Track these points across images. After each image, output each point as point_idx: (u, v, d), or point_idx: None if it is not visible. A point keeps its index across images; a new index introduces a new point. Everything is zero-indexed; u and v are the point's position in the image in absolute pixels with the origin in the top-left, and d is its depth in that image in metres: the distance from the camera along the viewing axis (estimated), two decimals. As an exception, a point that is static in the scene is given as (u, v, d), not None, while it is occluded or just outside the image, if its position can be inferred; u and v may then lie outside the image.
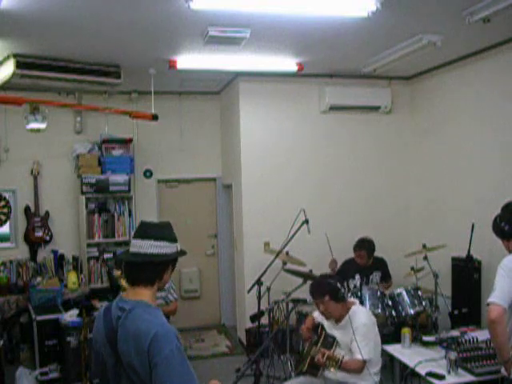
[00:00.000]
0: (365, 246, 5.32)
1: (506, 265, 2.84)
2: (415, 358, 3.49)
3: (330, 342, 3.52)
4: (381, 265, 5.45)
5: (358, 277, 5.17)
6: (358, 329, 3.38)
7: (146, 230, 2.05)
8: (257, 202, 5.88)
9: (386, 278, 5.43)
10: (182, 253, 2.12)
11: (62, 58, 4.84)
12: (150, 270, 2.01)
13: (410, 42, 4.57)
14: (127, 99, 6.35)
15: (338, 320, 3.58)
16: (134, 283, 2.01)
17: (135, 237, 2.06)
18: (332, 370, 3.26)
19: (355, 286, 4.81)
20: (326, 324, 3.70)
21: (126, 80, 5.33)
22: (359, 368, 3.36)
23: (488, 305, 2.78)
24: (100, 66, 5.06)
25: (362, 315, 3.50)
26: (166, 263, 2.05)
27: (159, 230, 2.07)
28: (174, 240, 2.08)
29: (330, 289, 3.52)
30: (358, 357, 3.34)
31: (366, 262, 5.32)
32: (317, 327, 3.80)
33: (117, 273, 3.27)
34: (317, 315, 3.92)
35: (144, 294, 2.00)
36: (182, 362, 1.86)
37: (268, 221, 5.83)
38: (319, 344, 3.53)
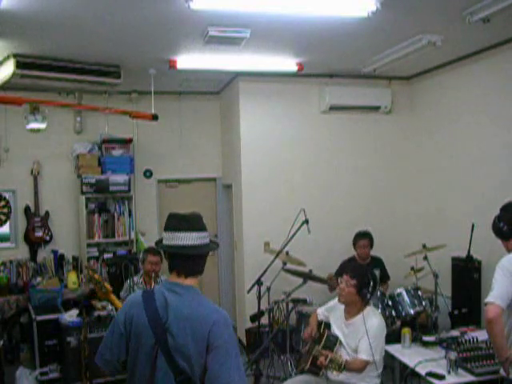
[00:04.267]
0: (367, 234, 5.42)
1: (504, 265, 2.85)
2: (415, 358, 3.50)
3: (333, 341, 3.51)
4: (379, 263, 5.51)
5: None
6: (371, 329, 3.37)
7: (195, 222, 2.09)
8: (257, 201, 5.88)
9: (384, 276, 5.46)
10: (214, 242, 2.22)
11: (61, 57, 4.84)
12: (202, 262, 2.11)
13: (409, 41, 4.57)
14: (127, 99, 6.35)
15: (349, 316, 3.56)
16: (188, 275, 2.07)
17: (182, 229, 2.04)
18: (335, 373, 3.25)
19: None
20: (333, 320, 3.70)
21: (126, 80, 5.33)
22: (361, 368, 3.37)
23: (486, 305, 2.79)
24: (100, 66, 5.06)
25: (376, 317, 3.51)
26: (208, 252, 2.14)
27: (200, 221, 2.12)
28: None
29: (362, 277, 3.51)
30: (362, 356, 3.35)
31: (367, 253, 5.38)
32: (320, 324, 3.81)
33: (96, 275, 3.22)
34: (320, 312, 3.93)
35: (193, 282, 2.08)
36: (236, 346, 2.00)
37: (268, 221, 5.82)
38: (321, 344, 3.53)
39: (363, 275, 3.55)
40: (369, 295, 3.51)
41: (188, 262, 2.06)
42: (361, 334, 3.39)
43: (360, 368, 3.37)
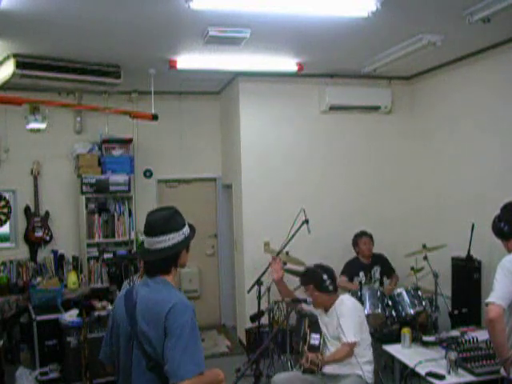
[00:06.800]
0: (367, 233, 5.51)
1: (505, 265, 2.84)
2: (415, 358, 3.49)
3: (317, 345, 3.65)
4: (380, 260, 5.54)
5: (362, 274, 5.24)
6: (342, 313, 3.57)
7: (152, 227, 2.14)
8: (257, 202, 5.88)
9: (388, 271, 5.48)
10: (191, 235, 2.22)
11: (61, 57, 4.83)
12: (163, 263, 2.14)
13: (409, 42, 4.57)
14: (127, 99, 6.35)
15: (326, 310, 3.74)
16: (154, 274, 2.14)
17: (145, 233, 2.18)
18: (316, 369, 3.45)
19: (360, 283, 4.83)
20: (318, 312, 3.84)
21: (126, 80, 5.33)
22: (347, 352, 3.49)
23: (487, 305, 2.79)
24: (100, 66, 5.06)
25: (346, 303, 3.68)
26: (176, 252, 2.15)
27: (164, 224, 2.14)
28: (180, 227, 2.17)
29: (314, 279, 3.72)
30: (343, 340, 3.49)
31: (370, 249, 5.44)
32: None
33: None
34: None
35: (165, 277, 2.15)
36: (195, 332, 2.02)
37: (268, 221, 5.82)
38: (307, 344, 3.69)
39: (312, 276, 3.77)
40: (329, 284, 3.67)
41: (149, 264, 2.17)
42: (336, 320, 3.56)
43: (345, 354, 3.49)
